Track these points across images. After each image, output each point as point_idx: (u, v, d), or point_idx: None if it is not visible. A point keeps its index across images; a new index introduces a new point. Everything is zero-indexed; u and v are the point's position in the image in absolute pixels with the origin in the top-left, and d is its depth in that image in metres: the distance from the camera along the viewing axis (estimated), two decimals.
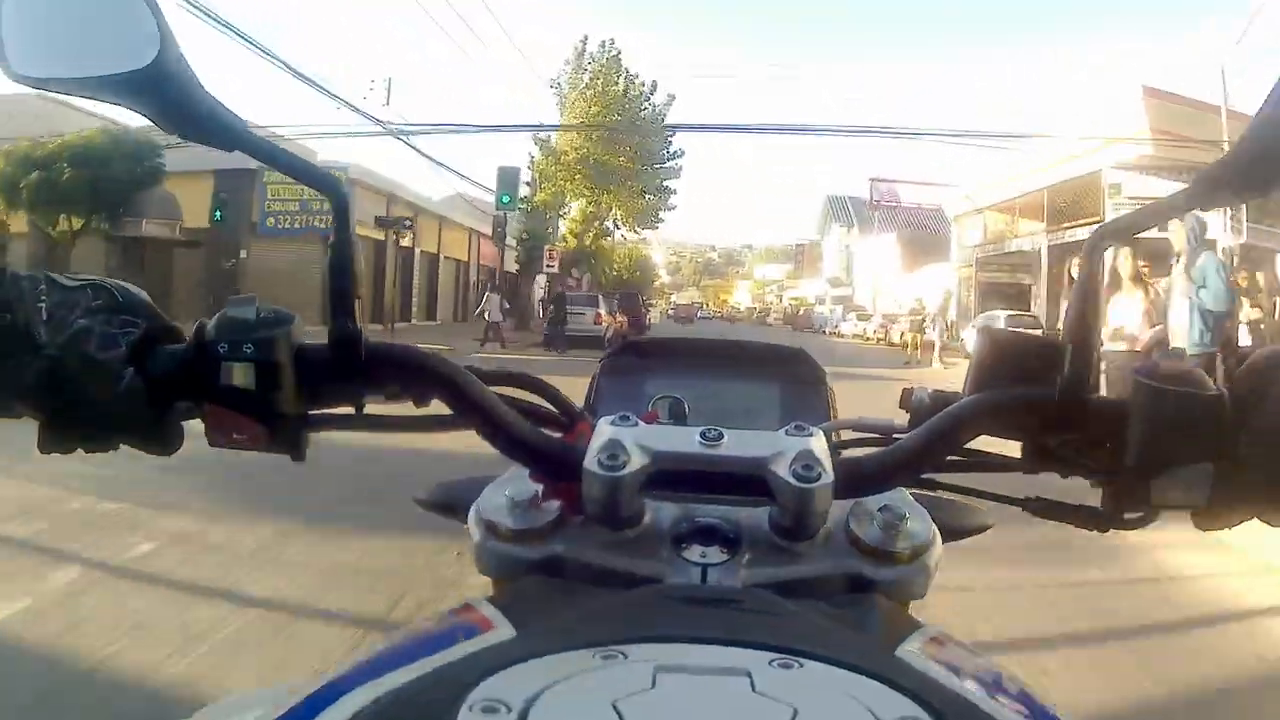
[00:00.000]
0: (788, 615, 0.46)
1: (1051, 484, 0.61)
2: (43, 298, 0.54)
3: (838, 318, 46.98)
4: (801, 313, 58.05)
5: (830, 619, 0.48)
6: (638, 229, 31.65)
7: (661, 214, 32.38)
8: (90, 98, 0.52)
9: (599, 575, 0.55)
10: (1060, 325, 0.58)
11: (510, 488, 0.60)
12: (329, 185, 0.56)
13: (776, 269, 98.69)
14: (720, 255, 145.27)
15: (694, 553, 0.56)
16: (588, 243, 31.66)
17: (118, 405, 0.54)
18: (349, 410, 0.60)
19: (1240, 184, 0.48)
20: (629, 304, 29.39)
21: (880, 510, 0.58)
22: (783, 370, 1.03)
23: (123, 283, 0.58)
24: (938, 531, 0.60)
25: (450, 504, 0.77)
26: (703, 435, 0.53)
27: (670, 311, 74.00)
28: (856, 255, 58.04)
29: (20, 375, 0.52)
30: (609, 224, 32.12)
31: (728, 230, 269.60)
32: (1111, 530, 0.57)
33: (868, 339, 37.67)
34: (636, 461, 0.51)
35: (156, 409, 0.55)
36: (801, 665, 0.38)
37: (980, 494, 0.65)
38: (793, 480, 0.50)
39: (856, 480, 0.54)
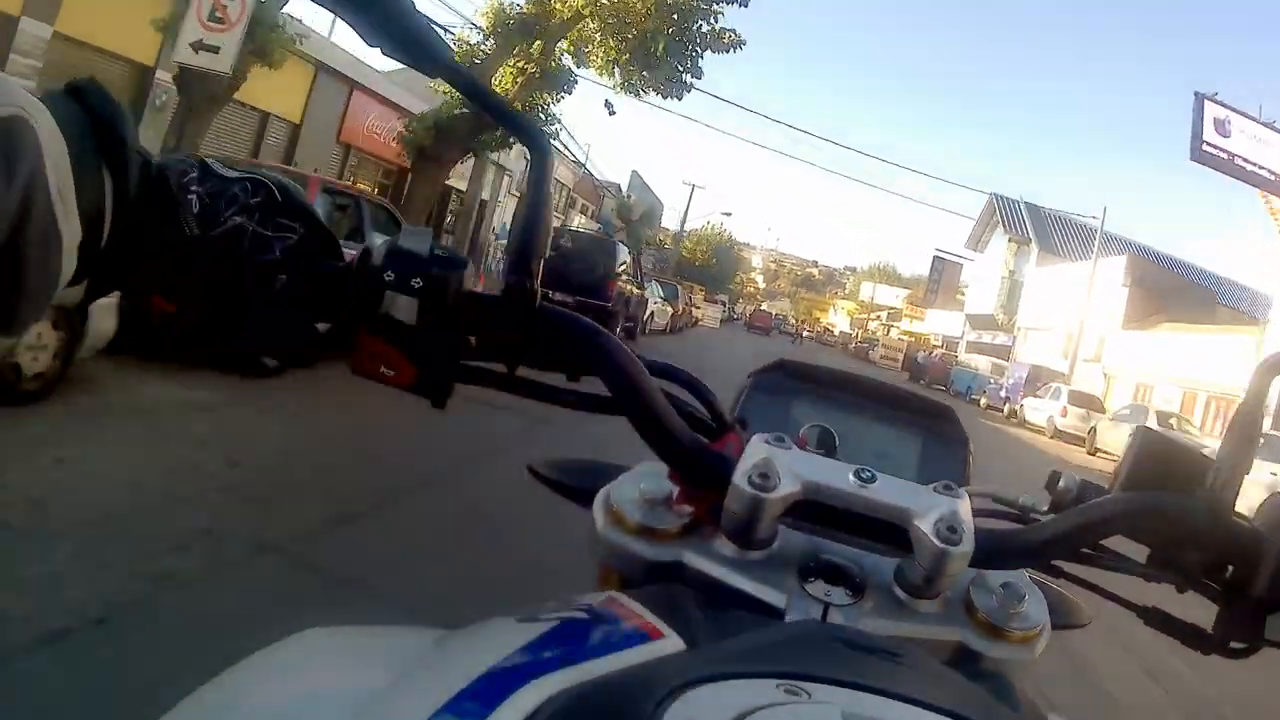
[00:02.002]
0: (951, 680, 0.46)
1: (1163, 591, 0.61)
2: (194, 185, 0.51)
3: (1014, 385, 27.26)
4: (933, 358, 38.35)
5: (981, 691, 0.47)
6: (647, 89, 14.71)
7: (688, 78, 14.49)
8: None
9: (720, 591, 0.54)
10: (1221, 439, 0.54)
11: (645, 482, 0.59)
12: (532, 135, 0.53)
13: (889, 292, 78.62)
14: (821, 272, 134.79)
15: (818, 588, 0.55)
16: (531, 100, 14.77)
17: (262, 311, 0.52)
18: (501, 368, 0.57)
19: None
20: (581, 268, 14.91)
21: (1002, 586, 0.57)
22: (929, 424, 0.99)
23: (283, 180, 0.54)
24: (1050, 620, 0.58)
25: (567, 483, 0.75)
26: (856, 474, 0.53)
27: (740, 316, 64.77)
28: (1029, 288, 38.16)
29: (164, 263, 0.50)
30: (568, 65, 15.03)
31: (833, 248, 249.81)
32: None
33: (1048, 433, 22.49)
34: (786, 486, 0.51)
35: (300, 323, 0.54)
36: None
37: (1100, 590, 0.65)
38: (935, 539, 0.50)
39: (994, 553, 0.54)
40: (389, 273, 0.52)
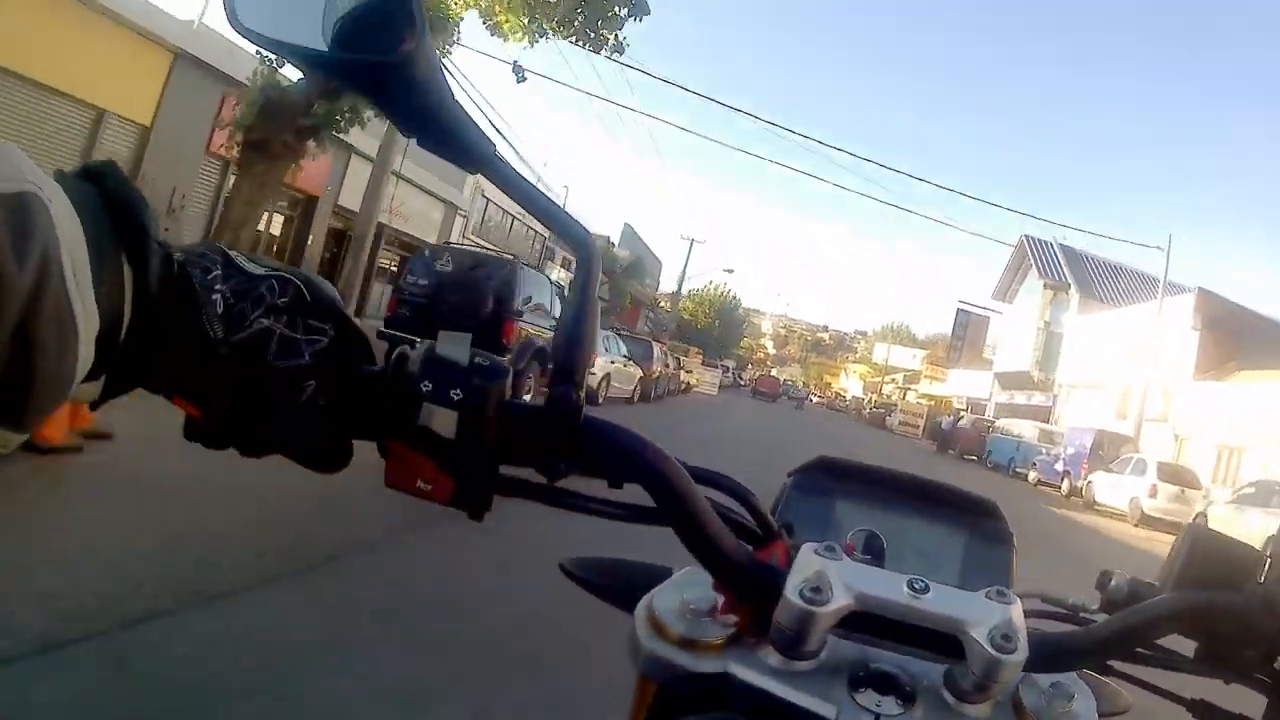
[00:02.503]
0: None
1: (1205, 686, 0.63)
2: (218, 284, 0.48)
3: (1075, 455, 21.75)
4: (961, 425, 32.84)
5: None
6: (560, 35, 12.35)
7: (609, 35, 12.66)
8: (325, 76, 0.49)
9: (769, 704, 0.54)
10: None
11: (689, 591, 0.59)
12: (578, 237, 0.53)
13: (904, 353, 73.65)
14: (832, 337, 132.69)
15: (869, 699, 0.54)
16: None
17: (287, 418, 0.50)
18: (540, 479, 0.55)
19: None
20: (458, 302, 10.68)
21: (1051, 685, 0.56)
22: (973, 521, 0.97)
23: (311, 276, 0.52)
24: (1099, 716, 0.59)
25: (608, 587, 0.73)
26: (910, 585, 0.53)
27: (748, 383, 60.53)
28: (1070, 340, 33.28)
29: (186, 369, 0.48)
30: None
31: (844, 313, 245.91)
32: None
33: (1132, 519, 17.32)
34: (839, 599, 0.51)
35: (331, 431, 0.51)
36: None
37: (1149, 686, 0.66)
38: (990, 649, 0.50)
39: (1049, 657, 0.55)
40: (426, 383, 0.50)
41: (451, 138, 0.49)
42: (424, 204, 23.98)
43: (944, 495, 0.99)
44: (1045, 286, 35.30)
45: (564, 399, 0.52)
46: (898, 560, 0.70)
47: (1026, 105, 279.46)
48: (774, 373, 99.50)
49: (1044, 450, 24.49)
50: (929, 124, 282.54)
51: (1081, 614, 0.67)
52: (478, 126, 0.50)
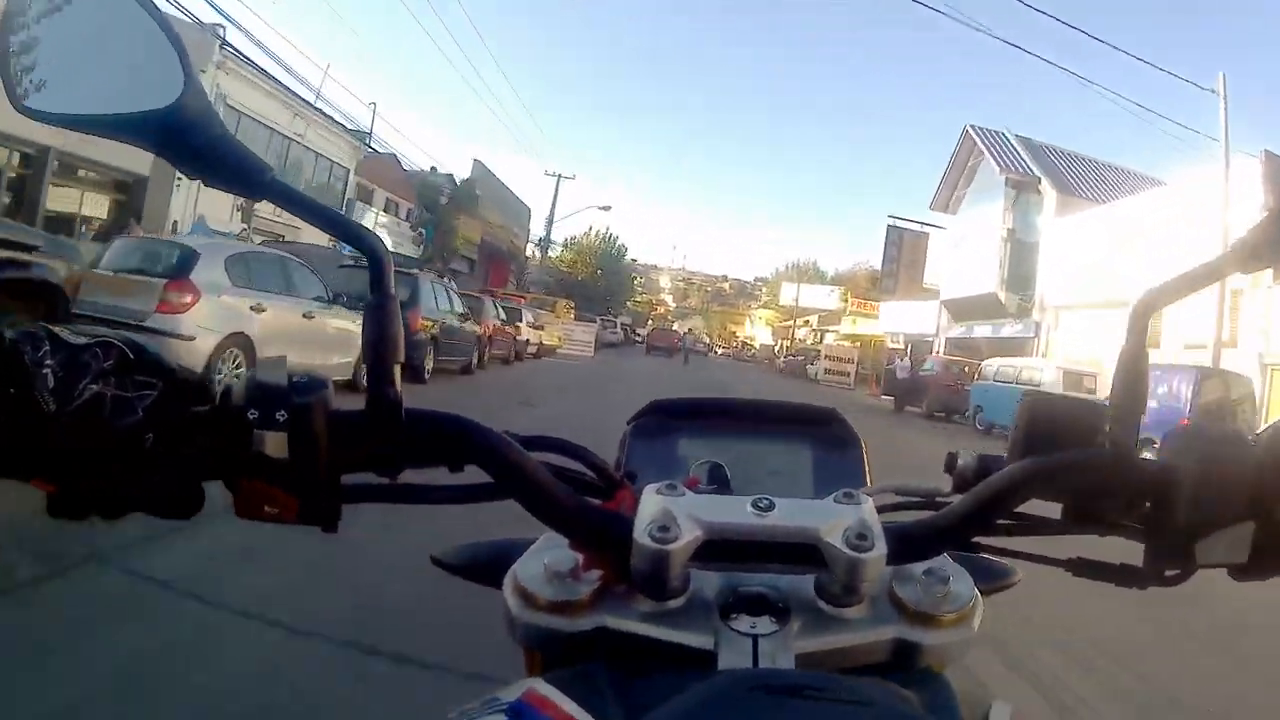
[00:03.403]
0: (879, 705, 0.47)
1: (1083, 542, 0.62)
2: (46, 360, 0.51)
3: (1169, 410, 12.88)
4: (934, 369, 23.29)
5: (908, 702, 0.49)
6: None
7: None
8: (109, 137, 0.51)
9: (648, 647, 0.55)
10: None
11: (548, 557, 0.59)
12: (366, 243, 0.54)
13: (817, 292, 65.28)
14: (732, 286, 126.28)
15: (743, 623, 0.55)
16: None
17: (134, 474, 0.52)
18: (383, 480, 0.58)
19: (1272, 252, 0.51)
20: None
21: (924, 574, 0.58)
22: (817, 432, 1.00)
23: (133, 337, 0.55)
24: (980, 594, 0.60)
25: (478, 569, 0.73)
26: (754, 505, 0.54)
27: (644, 338, 52.82)
28: (1050, 250, 25.56)
29: (25, 445, 0.50)
30: None
31: (743, 261, 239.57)
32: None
33: None
34: (688, 533, 0.52)
35: (177, 478, 0.53)
36: None
37: (1022, 555, 0.66)
38: (847, 550, 0.51)
39: (909, 547, 0.55)
40: (252, 411, 0.52)
41: (232, 172, 0.51)
42: None
43: (783, 413, 1.01)
44: (1008, 184, 27.43)
45: (382, 399, 0.54)
46: (752, 485, 0.72)
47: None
48: (675, 326, 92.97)
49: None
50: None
51: (937, 499, 0.66)
52: (254, 155, 0.52)
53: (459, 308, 13.55)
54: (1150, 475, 0.56)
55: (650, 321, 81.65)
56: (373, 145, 27.02)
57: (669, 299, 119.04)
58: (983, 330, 28.42)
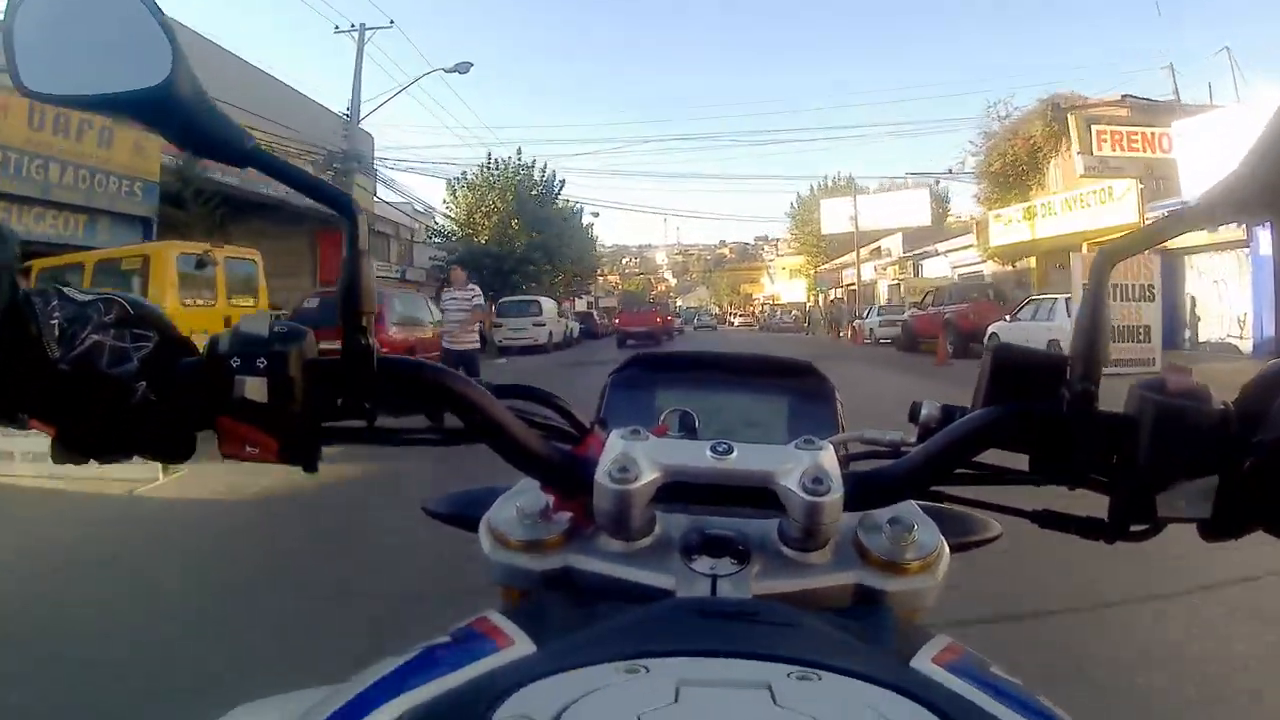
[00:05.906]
0: (804, 627, 0.48)
1: (1056, 495, 0.62)
2: (55, 313, 0.55)
3: None
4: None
5: (845, 630, 0.49)
6: None
7: None
8: (105, 114, 0.56)
9: (610, 586, 0.57)
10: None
11: (521, 500, 0.62)
12: (340, 203, 0.57)
13: (896, 201, 37.03)
14: (733, 249, 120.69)
15: (704, 564, 0.57)
16: None
17: (130, 418, 0.56)
18: (361, 424, 0.61)
19: (1237, 207, 0.52)
20: None
21: (889, 522, 0.59)
22: (792, 383, 1.02)
23: (135, 296, 0.59)
24: (945, 543, 0.61)
25: (461, 515, 0.77)
26: (713, 448, 0.55)
27: (617, 319, 35.66)
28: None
29: (32, 390, 0.54)
30: None
31: (741, 223, 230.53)
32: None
33: None
34: (647, 474, 0.54)
35: (169, 421, 0.57)
36: (820, 677, 0.40)
37: (988, 506, 0.67)
38: (802, 493, 0.52)
39: (866, 493, 0.56)
40: (235, 359, 0.55)
41: (219, 143, 0.54)
42: None
43: (762, 366, 1.03)
44: None
45: (355, 348, 0.57)
46: (727, 432, 0.74)
47: None
48: (679, 302, 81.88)
49: None
50: None
51: (901, 448, 0.67)
52: (237, 125, 0.55)
53: None
54: (1112, 427, 0.55)
55: (650, 300, 59.84)
56: None
57: (669, 275, 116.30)
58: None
